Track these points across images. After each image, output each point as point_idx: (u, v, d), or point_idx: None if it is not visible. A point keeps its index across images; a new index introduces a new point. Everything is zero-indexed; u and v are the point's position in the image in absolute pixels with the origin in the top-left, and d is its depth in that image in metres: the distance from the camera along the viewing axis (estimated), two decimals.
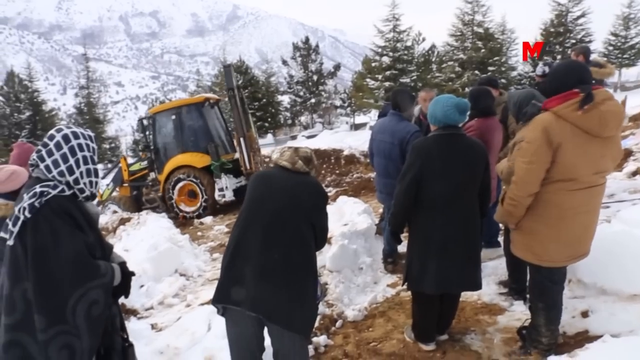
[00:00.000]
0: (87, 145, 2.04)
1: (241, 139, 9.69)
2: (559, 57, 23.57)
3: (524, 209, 2.73)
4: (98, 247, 2.04)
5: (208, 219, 9.87)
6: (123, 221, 8.28)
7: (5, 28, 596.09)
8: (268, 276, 2.36)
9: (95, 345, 1.91)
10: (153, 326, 4.33)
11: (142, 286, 5.23)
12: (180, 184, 10.18)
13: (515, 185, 2.66)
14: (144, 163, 11.37)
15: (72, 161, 1.96)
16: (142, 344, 3.78)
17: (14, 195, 3.17)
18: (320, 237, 2.60)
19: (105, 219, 9.59)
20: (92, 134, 2.12)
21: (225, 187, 9.96)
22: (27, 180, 2.04)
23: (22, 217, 1.82)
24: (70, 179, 1.96)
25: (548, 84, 2.71)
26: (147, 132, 11.04)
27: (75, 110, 34.16)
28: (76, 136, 2.01)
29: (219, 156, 10.03)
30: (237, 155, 10.31)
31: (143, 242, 6.16)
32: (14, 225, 1.83)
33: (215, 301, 2.48)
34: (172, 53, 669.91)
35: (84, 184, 2.00)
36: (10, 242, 1.84)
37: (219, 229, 8.74)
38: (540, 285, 2.91)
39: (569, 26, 24.25)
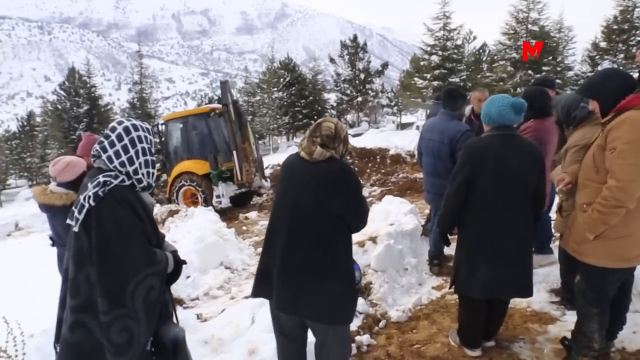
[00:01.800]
0: (146, 137, 2.11)
1: (234, 152, 10.30)
2: (621, 55, 22.34)
3: (622, 215, 2.56)
4: (154, 235, 2.11)
5: (253, 214, 10.06)
6: (172, 213, 8.56)
7: (68, 27, 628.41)
8: (289, 276, 2.37)
9: (152, 329, 1.98)
10: (198, 316, 4.43)
11: (188, 277, 5.37)
12: (184, 188, 10.95)
13: (620, 190, 2.48)
14: (158, 165, 12.03)
15: (132, 152, 2.04)
16: (187, 332, 3.83)
17: (73, 185, 3.35)
18: (354, 222, 2.42)
19: (154, 211, 9.94)
20: (149, 127, 2.18)
21: (222, 194, 10.56)
22: (89, 170, 2.12)
23: (87, 205, 1.89)
24: (130, 169, 2.03)
25: (602, 96, 2.64)
26: (161, 138, 11.92)
27: (129, 105, 35.41)
28: (136, 128, 2.08)
29: (217, 165, 10.60)
30: None
31: (190, 235, 6.33)
32: (79, 212, 1.91)
33: (251, 295, 2.58)
34: (221, 50, 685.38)
35: (142, 174, 2.07)
36: (75, 229, 1.92)
37: (264, 224, 8.86)
38: (598, 290, 2.78)
39: (635, 22, 22.84)
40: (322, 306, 2.34)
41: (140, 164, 2.06)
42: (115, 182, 1.96)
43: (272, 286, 2.43)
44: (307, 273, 2.34)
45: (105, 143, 2.03)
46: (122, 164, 2.02)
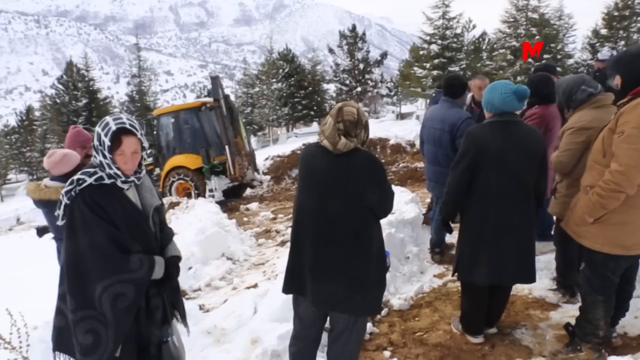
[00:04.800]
0: (98, 135, 1.97)
1: (226, 147, 10.37)
2: (621, 42, 22.20)
3: (621, 201, 2.53)
4: (138, 240, 2.02)
5: (254, 205, 10.06)
6: (172, 205, 8.56)
7: (65, 20, 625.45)
8: (324, 274, 2.32)
9: (121, 336, 1.93)
10: (201, 307, 4.43)
11: (190, 268, 5.37)
12: (177, 183, 11.04)
13: (622, 174, 2.45)
14: (150, 159, 12.21)
15: (94, 149, 2.00)
16: (190, 323, 3.86)
17: (68, 178, 3.33)
18: (383, 211, 2.37)
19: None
20: (112, 128, 1.97)
21: (215, 188, 10.64)
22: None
23: (63, 202, 1.91)
24: (97, 162, 1.99)
25: (629, 72, 2.54)
26: (153, 132, 11.93)
27: (128, 98, 35.37)
28: (100, 124, 1.98)
29: (209, 159, 10.64)
30: None
31: (191, 226, 6.33)
32: (59, 208, 1.93)
33: (283, 290, 2.54)
34: (219, 42, 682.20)
35: (108, 170, 1.98)
36: (59, 223, 1.94)
37: (265, 215, 8.86)
38: (603, 278, 2.77)
39: (636, 9, 22.63)
40: (358, 300, 2.31)
41: (100, 161, 1.98)
42: (90, 180, 1.91)
43: (305, 284, 2.39)
44: (341, 269, 2.29)
45: None
46: (95, 157, 1.99)
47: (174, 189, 11.02)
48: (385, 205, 2.36)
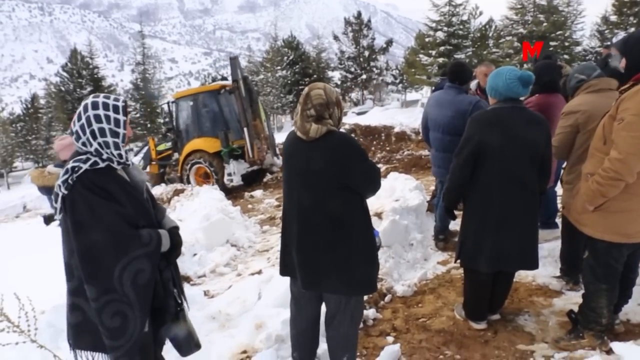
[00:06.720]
0: (107, 116, 1.93)
1: (245, 129, 10.22)
2: (632, 29, 21.89)
3: (621, 189, 2.51)
4: (141, 216, 2.02)
5: (258, 193, 10.08)
6: (177, 192, 8.59)
7: (69, 8, 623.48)
8: (308, 257, 2.37)
9: (147, 312, 1.95)
10: (205, 293, 4.47)
11: (194, 254, 5.40)
12: (195, 167, 10.90)
13: (621, 162, 2.43)
14: (169, 144, 12.08)
15: (88, 133, 1.91)
16: (194, 309, 3.92)
17: None
18: (365, 191, 2.36)
19: (160, 190, 10.00)
20: (118, 104, 1.98)
21: (234, 172, 10.53)
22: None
23: (60, 194, 1.87)
24: (92, 149, 1.92)
25: (633, 56, 2.50)
26: (172, 116, 11.77)
27: (132, 85, 35.32)
28: (94, 107, 1.93)
29: (228, 143, 10.48)
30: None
31: (196, 213, 6.34)
32: (56, 201, 1.89)
33: (280, 272, 2.62)
34: (224, 29, 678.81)
35: (108, 154, 1.95)
36: (57, 217, 1.93)
37: (269, 202, 8.89)
38: (606, 266, 2.77)
39: None
40: (345, 280, 2.35)
41: (99, 144, 1.92)
42: (85, 166, 1.87)
43: (294, 267, 2.45)
44: (324, 251, 2.33)
45: (72, 122, 1.96)
46: (84, 144, 1.92)
47: (192, 173, 10.88)
48: (368, 184, 2.35)
